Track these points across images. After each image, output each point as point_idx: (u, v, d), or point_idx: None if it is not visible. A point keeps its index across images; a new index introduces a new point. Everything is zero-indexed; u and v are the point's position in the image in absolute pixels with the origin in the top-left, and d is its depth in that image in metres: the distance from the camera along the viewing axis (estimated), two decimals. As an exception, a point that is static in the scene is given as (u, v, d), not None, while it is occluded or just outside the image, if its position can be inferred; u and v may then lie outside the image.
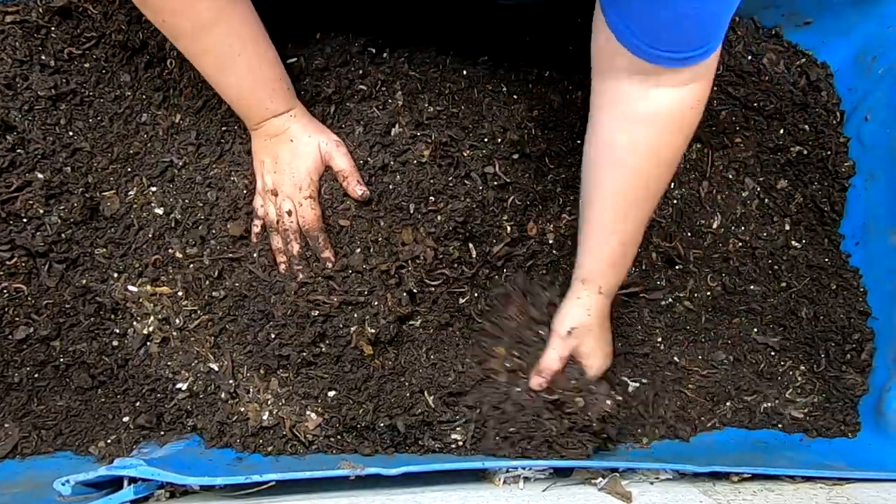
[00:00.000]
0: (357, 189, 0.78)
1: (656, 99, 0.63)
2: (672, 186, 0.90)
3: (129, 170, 0.82)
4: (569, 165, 0.87)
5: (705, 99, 0.65)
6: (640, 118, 0.64)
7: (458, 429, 0.78)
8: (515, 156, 0.84)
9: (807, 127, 0.94)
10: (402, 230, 0.80)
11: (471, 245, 0.83)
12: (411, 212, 0.80)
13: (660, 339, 0.89)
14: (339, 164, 0.78)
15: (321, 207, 0.79)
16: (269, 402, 0.78)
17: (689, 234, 0.90)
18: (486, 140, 0.84)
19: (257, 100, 0.74)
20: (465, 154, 0.83)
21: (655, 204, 0.73)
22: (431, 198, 0.80)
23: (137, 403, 0.81)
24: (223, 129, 0.83)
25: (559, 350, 0.77)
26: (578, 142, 0.87)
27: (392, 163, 0.80)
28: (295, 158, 0.77)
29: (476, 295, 0.84)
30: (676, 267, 0.89)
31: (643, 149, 0.66)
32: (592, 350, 0.78)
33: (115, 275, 0.80)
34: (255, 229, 0.81)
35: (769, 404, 0.88)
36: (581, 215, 0.74)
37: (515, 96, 0.87)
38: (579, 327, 0.76)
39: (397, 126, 0.82)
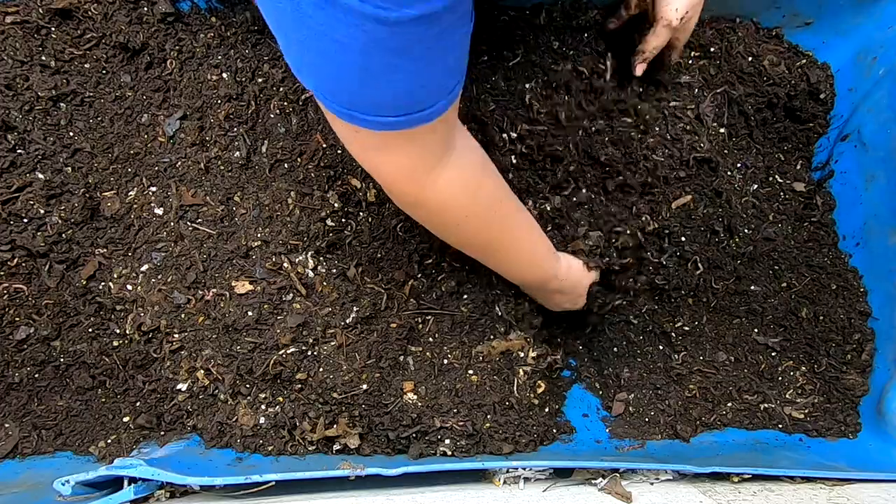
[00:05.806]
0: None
1: None
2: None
3: (130, 170, 0.82)
4: (568, 165, 0.87)
5: None
6: None
7: (446, 441, 0.78)
8: (515, 159, 0.84)
9: (806, 127, 0.94)
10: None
11: None
12: None
13: (660, 340, 0.89)
14: None
15: None
16: (270, 402, 0.78)
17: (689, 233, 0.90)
18: (485, 139, 0.83)
19: (545, 251, 0.74)
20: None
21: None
22: None
23: (137, 403, 0.81)
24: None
25: (665, 37, 0.73)
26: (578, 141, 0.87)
27: None
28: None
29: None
30: (676, 267, 0.89)
31: None
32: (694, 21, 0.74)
33: (116, 275, 0.80)
34: None
35: (770, 405, 0.88)
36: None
37: (515, 97, 0.86)
38: (692, 7, 0.70)
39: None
